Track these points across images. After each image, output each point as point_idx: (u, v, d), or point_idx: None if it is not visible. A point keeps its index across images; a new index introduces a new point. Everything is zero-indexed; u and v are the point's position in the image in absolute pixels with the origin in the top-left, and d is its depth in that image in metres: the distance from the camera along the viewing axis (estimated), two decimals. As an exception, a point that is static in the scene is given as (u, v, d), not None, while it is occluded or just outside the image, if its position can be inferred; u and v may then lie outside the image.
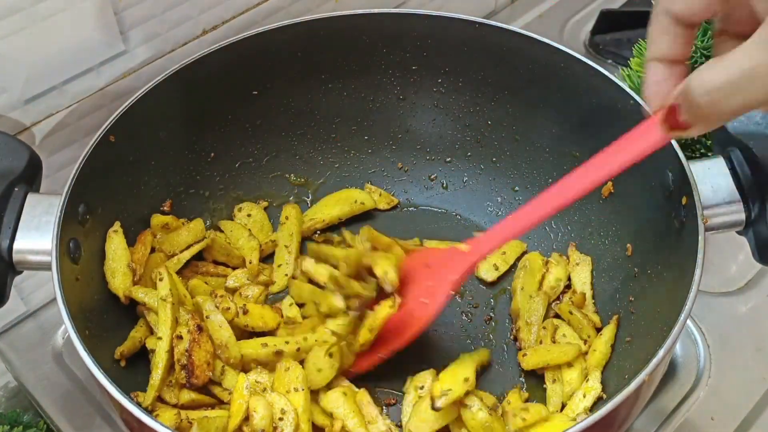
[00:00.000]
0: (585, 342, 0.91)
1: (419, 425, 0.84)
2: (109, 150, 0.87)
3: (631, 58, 1.07)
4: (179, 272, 0.95)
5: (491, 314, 0.99)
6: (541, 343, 0.93)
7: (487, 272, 1.03)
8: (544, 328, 0.94)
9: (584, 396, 0.85)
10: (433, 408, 0.82)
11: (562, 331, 0.93)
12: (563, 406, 0.87)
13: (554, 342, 0.93)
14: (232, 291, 0.97)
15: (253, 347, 0.87)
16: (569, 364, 0.89)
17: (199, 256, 0.99)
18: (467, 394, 0.83)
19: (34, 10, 0.87)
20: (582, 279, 0.98)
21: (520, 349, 0.93)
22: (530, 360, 0.90)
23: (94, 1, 0.91)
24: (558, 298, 0.98)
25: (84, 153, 0.85)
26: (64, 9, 0.89)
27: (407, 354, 0.89)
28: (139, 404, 0.69)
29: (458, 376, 0.84)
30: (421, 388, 0.88)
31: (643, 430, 0.94)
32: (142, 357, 0.89)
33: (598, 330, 0.93)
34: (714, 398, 0.97)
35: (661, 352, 0.70)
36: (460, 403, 0.83)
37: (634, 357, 0.85)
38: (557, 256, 1.01)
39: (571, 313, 0.94)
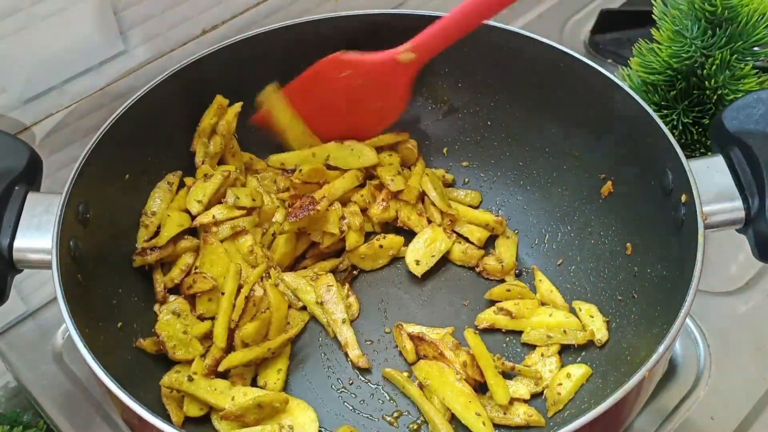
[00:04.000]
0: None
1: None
2: (108, 150, 0.88)
3: (631, 58, 1.07)
4: None
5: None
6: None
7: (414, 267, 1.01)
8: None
9: None
10: None
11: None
12: None
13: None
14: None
15: None
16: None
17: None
18: None
19: (34, 10, 0.87)
20: None
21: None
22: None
23: (94, 1, 0.91)
24: None
25: (84, 153, 0.85)
26: (64, 9, 0.89)
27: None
28: (139, 402, 0.69)
29: None
30: None
31: (643, 429, 0.94)
32: (142, 356, 0.89)
33: None
34: (714, 398, 0.97)
35: (661, 348, 0.70)
36: None
37: (635, 356, 0.85)
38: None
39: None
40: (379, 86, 0.97)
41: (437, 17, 1.00)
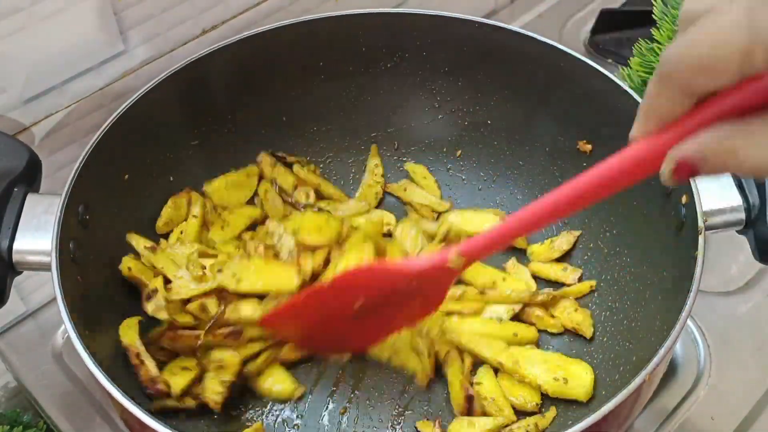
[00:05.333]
0: None
1: None
2: (108, 150, 0.87)
3: (631, 58, 1.07)
4: None
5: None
6: None
7: None
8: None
9: None
10: None
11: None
12: None
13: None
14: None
15: None
16: None
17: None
18: None
19: (34, 10, 0.87)
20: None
21: None
22: None
23: (94, 1, 0.91)
24: None
25: (84, 153, 0.85)
26: (64, 9, 0.89)
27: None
28: (139, 404, 0.69)
29: None
30: None
31: (643, 430, 0.94)
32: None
33: None
34: (714, 398, 0.97)
35: (661, 351, 0.70)
36: None
37: (635, 356, 0.85)
38: None
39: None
40: (420, 291, 0.85)
41: (437, 17, 1.01)
